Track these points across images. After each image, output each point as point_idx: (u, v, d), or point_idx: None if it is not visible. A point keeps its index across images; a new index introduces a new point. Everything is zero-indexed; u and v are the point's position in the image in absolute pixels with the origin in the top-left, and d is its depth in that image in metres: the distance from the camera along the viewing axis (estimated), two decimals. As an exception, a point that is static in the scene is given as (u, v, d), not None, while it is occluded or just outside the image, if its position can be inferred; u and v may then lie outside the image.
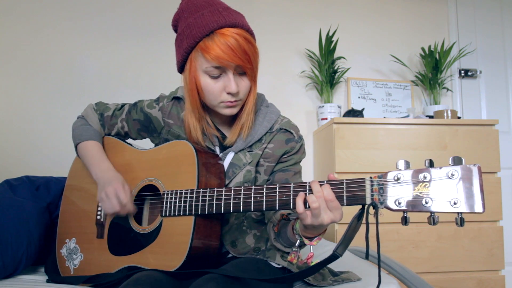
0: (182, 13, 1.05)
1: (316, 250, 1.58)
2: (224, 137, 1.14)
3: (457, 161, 0.73)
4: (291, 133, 1.14)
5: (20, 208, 1.30)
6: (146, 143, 1.33)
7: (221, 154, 1.12)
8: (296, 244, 0.97)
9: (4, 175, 1.61)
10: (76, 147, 1.24)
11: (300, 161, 1.18)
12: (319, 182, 0.86)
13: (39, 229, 1.31)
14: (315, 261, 0.91)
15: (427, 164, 0.76)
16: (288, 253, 1.08)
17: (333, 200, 0.83)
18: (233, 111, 1.07)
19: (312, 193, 0.85)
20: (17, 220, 1.26)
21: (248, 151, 1.12)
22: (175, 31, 1.10)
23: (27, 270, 1.32)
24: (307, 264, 0.93)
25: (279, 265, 1.09)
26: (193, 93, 1.05)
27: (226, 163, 1.10)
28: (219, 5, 1.02)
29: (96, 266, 1.14)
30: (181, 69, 1.08)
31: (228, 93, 1.02)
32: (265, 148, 1.13)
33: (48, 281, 1.21)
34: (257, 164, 1.13)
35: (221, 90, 1.02)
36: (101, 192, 1.09)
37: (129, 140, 1.28)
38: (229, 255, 1.13)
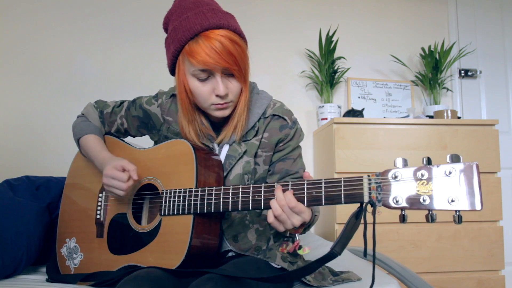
0: (171, 15, 1.05)
1: (316, 251, 1.58)
2: (219, 134, 1.13)
3: (455, 158, 0.73)
4: (284, 119, 1.13)
5: (20, 208, 1.30)
6: (145, 140, 1.32)
7: (217, 148, 1.12)
8: (287, 234, 0.99)
9: (4, 175, 1.62)
10: (78, 143, 1.24)
11: (298, 145, 1.17)
12: (284, 184, 0.88)
13: (39, 229, 1.32)
14: (301, 249, 0.96)
15: (425, 162, 0.75)
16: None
17: (295, 206, 0.85)
18: (225, 113, 1.06)
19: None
20: (17, 220, 1.26)
21: (243, 141, 1.11)
22: (166, 33, 1.10)
23: (27, 270, 1.32)
24: (295, 252, 0.97)
25: (279, 265, 1.08)
26: (182, 96, 1.05)
27: (222, 156, 1.10)
28: (205, 6, 1.01)
29: (96, 265, 1.14)
30: (172, 72, 1.08)
31: (217, 96, 1.02)
32: (262, 138, 1.12)
33: (47, 280, 1.21)
34: (256, 155, 1.12)
35: (210, 92, 1.02)
36: (103, 184, 1.09)
37: (129, 139, 1.29)
38: (229, 255, 1.12)
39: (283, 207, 0.86)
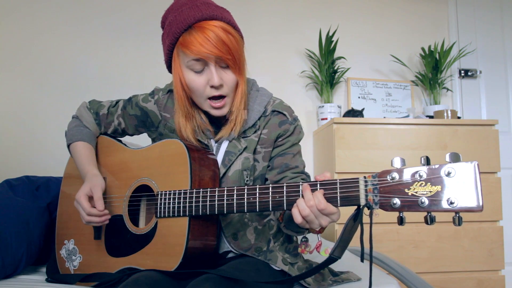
0: (168, 13, 1.06)
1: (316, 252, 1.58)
2: (218, 130, 1.12)
3: (454, 158, 0.70)
4: (284, 114, 1.12)
5: (20, 208, 1.30)
6: (142, 138, 1.32)
7: (216, 144, 1.11)
8: (305, 234, 0.94)
9: (4, 175, 1.62)
10: (68, 148, 1.24)
11: (298, 142, 1.15)
12: (312, 183, 0.84)
13: (39, 229, 1.32)
14: (323, 249, 0.89)
15: (423, 162, 0.73)
16: (298, 243, 1.06)
17: (325, 208, 0.80)
18: (222, 111, 1.05)
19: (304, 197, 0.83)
20: (17, 220, 1.26)
21: (243, 137, 1.10)
22: None
23: (27, 270, 1.32)
24: (317, 252, 0.91)
25: (279, 268, 1.07)
26: (178, 90, 1.04)
27: (221, 152, 1.09)
28: (200, 0, 1.02)
29: (95, 268, 1.14)
30: (169, 68, 1.08)
31: (212, 87, 1.01)
32: (261, 134, 1.11)
33: (47, 280, 1.21)
34: (254, 152, 1.11)
35: (205, 84, 1.01)
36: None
37: (124, 139, 1.28)
38: (228, 256, 1.12)
39: (311, 207, 0.80)
